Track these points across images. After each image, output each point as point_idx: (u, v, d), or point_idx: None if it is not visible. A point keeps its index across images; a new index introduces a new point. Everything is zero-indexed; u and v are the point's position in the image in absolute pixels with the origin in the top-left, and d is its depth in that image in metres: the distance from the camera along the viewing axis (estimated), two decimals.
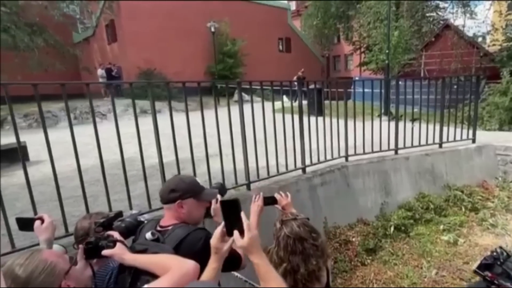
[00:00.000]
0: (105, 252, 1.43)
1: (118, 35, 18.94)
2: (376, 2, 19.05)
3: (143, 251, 1.62)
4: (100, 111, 14.99)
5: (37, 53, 15.42)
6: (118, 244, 1.46)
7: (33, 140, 7.05)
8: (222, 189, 2.26)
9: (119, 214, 1.77)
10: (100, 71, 17.31)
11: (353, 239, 4.37)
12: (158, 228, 1.74)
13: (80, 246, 1.51)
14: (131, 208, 2.89)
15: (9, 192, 4.50)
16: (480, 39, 21.58)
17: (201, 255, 1.64)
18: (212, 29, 18.89)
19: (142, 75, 18.48)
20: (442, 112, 5.66)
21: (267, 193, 3.78)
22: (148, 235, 1.68)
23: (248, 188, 3.73)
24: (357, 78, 21.42)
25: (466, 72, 18.23)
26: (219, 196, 1.98)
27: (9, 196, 4.29)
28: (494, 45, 19.52)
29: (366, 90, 5.09)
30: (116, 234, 1.52)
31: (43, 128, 2.52)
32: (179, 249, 1.59)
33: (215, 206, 1.94)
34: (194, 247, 1.63)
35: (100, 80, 17.18)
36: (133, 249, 1.66)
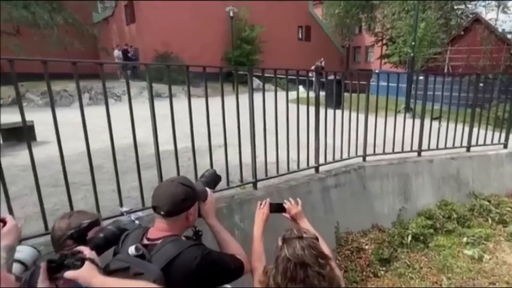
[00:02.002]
0: (68, 274, 1.16)
1: (137, 16, 18.71)
2: None
3: (124, 270, 1.34)
4: (114, 93, 14.92)
5: (56, 31, 15.42)
6: (86, 263, 1.19)
7: (44, 119, 6.93)
8: (216, 177, 1.96)
9: (95, 222, 1.49)
10: (117, 52, 17.21)
11: (366, 247, 4.03)
12: (145, 242, 1.46)
13: (42, 264, 1.24)
14: (121, 205, 2.63)
15: (9, 174, 4.35)
16: (510, 36, 20.16)
17: (196, 277, 1.35)
18: (231, 14, 18.39)
19: (159, 58, 18.28)
20: (473, 112, 5.16)
21: (275, 193, 3.51)
22: (132, 250, 1.39)
23: (255, 187, 3.42)
24: (377, 71, 20.68)
25: (495, 69, 17.23)
26: (209, 191, 1.71)
27: (7, 179, 4.13)
28: None
29: (389, 84, 4.64)
30: (86, 251, 1.24)
31: (20, 109, 2.25)
32: (169, 270, 1.30)
33: (207, 206, 1.66)
34: (188, 268, 1.34)
35: (117, 61, 17.10)
36: (110, 267, 1.39)
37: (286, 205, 1.84)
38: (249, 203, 3.15)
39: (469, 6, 21.73)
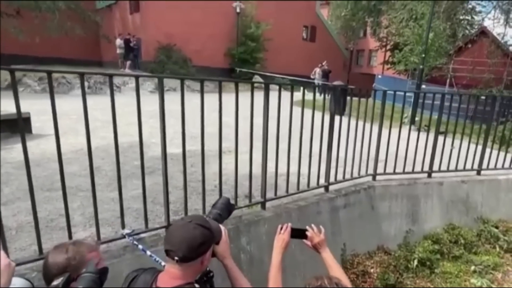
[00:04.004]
0: None
1: (141, 6, 18.34)
2: None
3: None
4: (114, 83, 14.58)
5: (57, 15, 15.07)
6: None
7: (41, 109, 6.62)
8: (230, 206, 1.81)
9: (68, 280, 1.30)
10: (119, 41, 16.85)
11: (372, 270, 3.89)
12: None
13: None
14: (123, 226, 2.44)
15: (2, 172, 4.09)
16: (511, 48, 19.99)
17: None
18: (238, 10, 18.12)
19: (161, 49, 17.99)
20: (487, 133, 5.02)
21: (284, 214, 3.33)
22: None
23: (263, 207, 3.25)
24: (380, 76, 20.53)
25: (499, 84, 17.15)
26: (223, 229, 1.56)
27: None
28: None
29: (397, 92, 4.45)
30: None
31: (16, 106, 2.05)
32: None
33: (222, 246, 1.52)
34: None
35: (118, 50, 16.79)
36: None
37: (309, 232, 1.72)
38: (257, 224, 2.99)
39: (475, 17, 21.54)
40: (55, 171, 4.07)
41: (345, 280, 1.52)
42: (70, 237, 2.20)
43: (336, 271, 1.59)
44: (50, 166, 4.38)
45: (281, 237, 1.70)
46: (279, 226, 1.74)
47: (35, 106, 6.54)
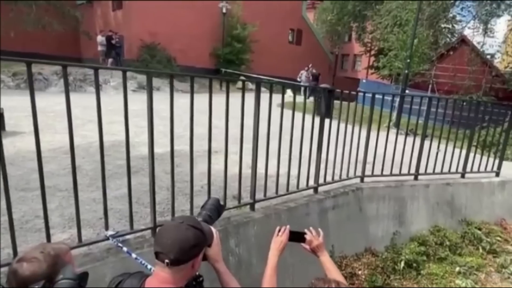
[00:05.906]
0: None
1: (124, 3, 17.94)
2: (397, 5, 18.28)
3: None
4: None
5: (34, 9, 14.51)
6: None
7: (14, 105, 6.29)
8: (220, 207, 1.73)
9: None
10: (100, 38, 16.39)
11: (360, 272, 3.87)
12: None
13: None
14: (107, 228, 2.29)
15: None
16: (489, 56, 20.77)
17: None
18: (224, 10, 18.00)
19: (145, 48, 17.64)
20: (471, 138, 5.12)
21: (273, 215, 3.25)
22: None
23: (252, 208, 3.16)
24: (364, 80, 20.86)
25: (478, 91, 17.73)
26: (214, 230, 1.47)
27: None
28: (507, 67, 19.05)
29: (385, 97, 4.48)
30: None
31: None
32: None
33: (214, 249, 1.44)
34: None
35: (99, 47, 16.33)
36: None
37: (307, 235, 1.67)
38: (246, 226, 2.90)
39: (456, 26, 22.24)
40: (30, 170, 3.89)
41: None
42: (48, 239, 2.04)
43: (335, 274, 1.54)
44: (25, 165, 4.15)
45: (279, 239, 1.65)
46: (277, 228, 1.70)
47: (9, 103, 6.23)
